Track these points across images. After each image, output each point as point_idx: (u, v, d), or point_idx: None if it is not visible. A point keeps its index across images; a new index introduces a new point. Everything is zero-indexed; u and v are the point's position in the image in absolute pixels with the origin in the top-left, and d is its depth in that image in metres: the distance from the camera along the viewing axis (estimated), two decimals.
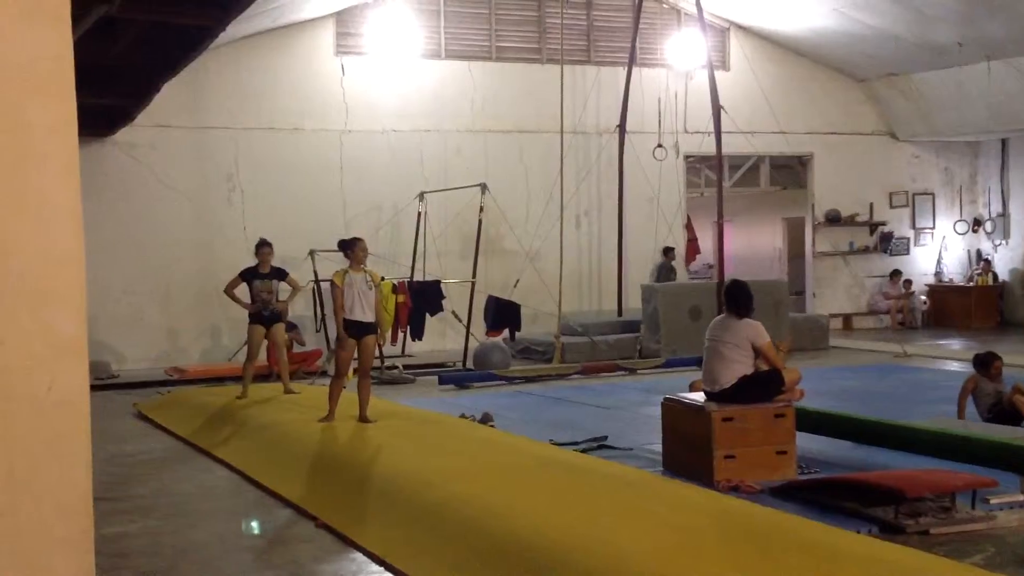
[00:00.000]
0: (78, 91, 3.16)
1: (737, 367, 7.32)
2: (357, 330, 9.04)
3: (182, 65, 11.25)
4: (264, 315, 10.85)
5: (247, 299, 10.94)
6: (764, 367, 7.44)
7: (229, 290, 10.97)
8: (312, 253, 14.26)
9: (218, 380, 12.76)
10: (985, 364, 8.89)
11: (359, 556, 5.81)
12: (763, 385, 7.39)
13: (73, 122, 3.07)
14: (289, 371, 11.24)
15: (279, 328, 11.04)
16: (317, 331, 14.56)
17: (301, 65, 15.56)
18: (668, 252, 17.30)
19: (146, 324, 14.71)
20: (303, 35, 15.57)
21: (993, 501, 6.29)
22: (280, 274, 11.05)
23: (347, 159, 15.72)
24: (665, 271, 17.22)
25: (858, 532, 5.71)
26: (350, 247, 9.23)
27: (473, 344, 13.94)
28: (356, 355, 9.17)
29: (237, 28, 12.06)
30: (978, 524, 5.98)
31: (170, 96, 13.59)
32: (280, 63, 15.43)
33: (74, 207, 3.05)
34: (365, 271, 9.17)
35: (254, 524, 5.95)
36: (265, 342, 11.24)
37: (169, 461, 8.71)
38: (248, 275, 10.95)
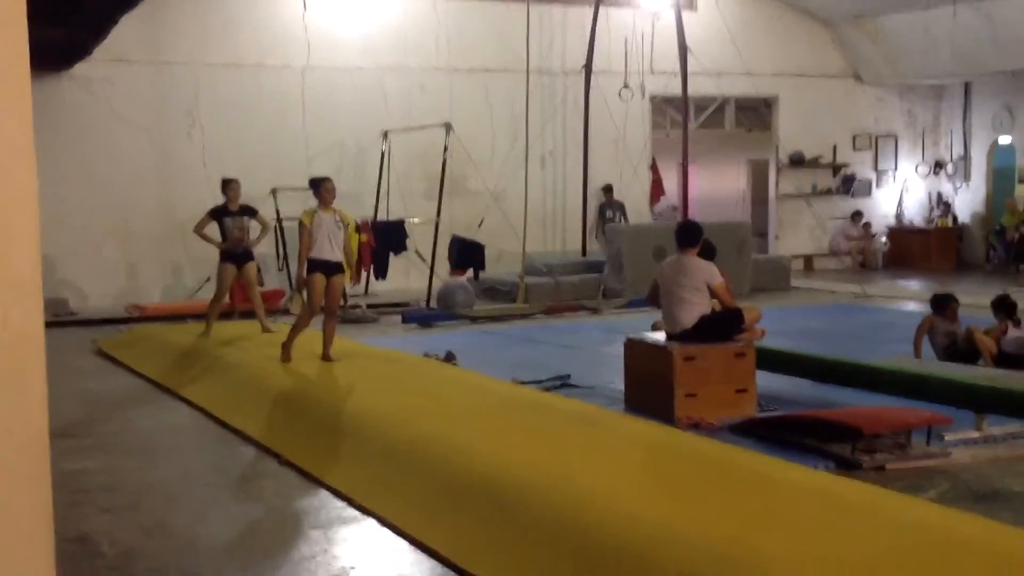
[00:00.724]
0: (31, 23, 3.07)
1: (696, 309, 7.43)
2: (326, 268, 8.99)
3: None
4: (237, 253, 10.72)
5: (217, 237, 10.80)
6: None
7: (199, 229, 10.79)
8: (274, 191, 14.14)
9: (179, 318, 12.68)
10: (942, 305, 9.01)
11: (323, 492, 5.84)
12: (724, 324, 7.48)
13: (25, 56, 2.99)
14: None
15: (251, 267, 10.90)
16: (280, 270, 14.49)
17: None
18: (608, 191, 17.20)
19: (105, 261, 14.55)
20: None
21: (948, 438, 6.42)
22: (250, 211, 10.92)
23: (309, 96, 15.52)
24: (607, 210, 17.12)
25: (815, 468, 5.81)
26: (317, 187, 9.17)
27: (437, 283, 13.93)
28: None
29: None
30: (933, 460, 6.10)
31: (128, 30, 13.31)
32: None
33: (26, 144, 2.98)
34: (335, 211, 9.11)
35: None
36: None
37: (131, 399, 8.68)
38: (218, 213, 10.78)
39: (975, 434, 6.54)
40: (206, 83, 14.96)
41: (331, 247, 8.98)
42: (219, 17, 15.01)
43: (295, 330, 9.12)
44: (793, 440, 6.41)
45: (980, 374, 7.66)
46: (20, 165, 2.99)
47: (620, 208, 17.24)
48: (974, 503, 5.35)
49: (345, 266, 9.31)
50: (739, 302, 8.33)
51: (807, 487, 5.16)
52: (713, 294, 7.49)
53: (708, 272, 7.51)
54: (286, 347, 9.07)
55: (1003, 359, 8.42)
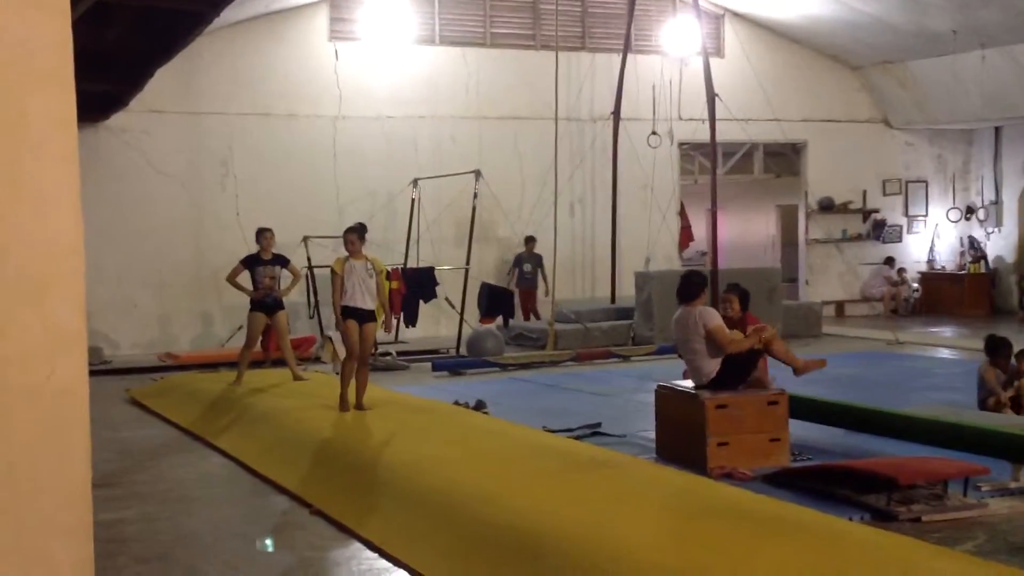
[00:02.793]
0: None
1: (713, 355, 7.40)
2: (358, 316, 9.03)
3: (175, 50, 11.23)
4: (267, 302, 10.81)
5: (248, 286, 10.91)
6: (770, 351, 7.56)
7: (232, 278, 10.94)
8: (306, 239, 14.26)
9: (211, 366, 12.75)
10: (996, 349, 8.50)
11: (354, 543, 5.83)
12: (743, 363, 7.44)
13: (72, 112, 3.07)
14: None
15: (282, 316, 10.98)
16: (311, 317, 14.57)
17: (295, 51, 15.51)
18: (529, 241, 16.15)
19: (139, 310, 14.69)
20: (297, 21, 15.52)
21: (985, 488, 6.35)
22: (282, 261, 11.02)
23: (341, 145, 15.70)
24: (523, 263, 15.98)
25: (851, 519, 5.75)
26: (344, 236, 9.25)
27: (467, 331, 13.95)
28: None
29: (230, 13, 12.02)
30: (970, 511, 6.02)
31: (163, 81, 13.54)
32: (274, 49, 15.39)
33: (73, 198, 3.05)
34: (366, 258, 9.17)
35: (268, 542, 5.76)
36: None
37: (164, 448, 8.72)
38: (250, 262, 10.91)
39: (1012, 484, 6.46)
40: (239, 133, 15.17)
41: (362, 294, 9.02)
42: (251, 68, 15.24)
43: (342, 379, 9.12)
44: (828, 491, 6.35)
45: (1015, 423, 7.57)
46: (67, 220, 3.06)
47: (537, 261, 16.00)
48: (1011, 555, 5.27)
49: (378, 313, 9.34)
50: None
51: (842, 539, 5.11)
52: (711, 337, 7.40)
53: (705, 316, 7.49)
54: (342, 397, 9.08)
55: None
